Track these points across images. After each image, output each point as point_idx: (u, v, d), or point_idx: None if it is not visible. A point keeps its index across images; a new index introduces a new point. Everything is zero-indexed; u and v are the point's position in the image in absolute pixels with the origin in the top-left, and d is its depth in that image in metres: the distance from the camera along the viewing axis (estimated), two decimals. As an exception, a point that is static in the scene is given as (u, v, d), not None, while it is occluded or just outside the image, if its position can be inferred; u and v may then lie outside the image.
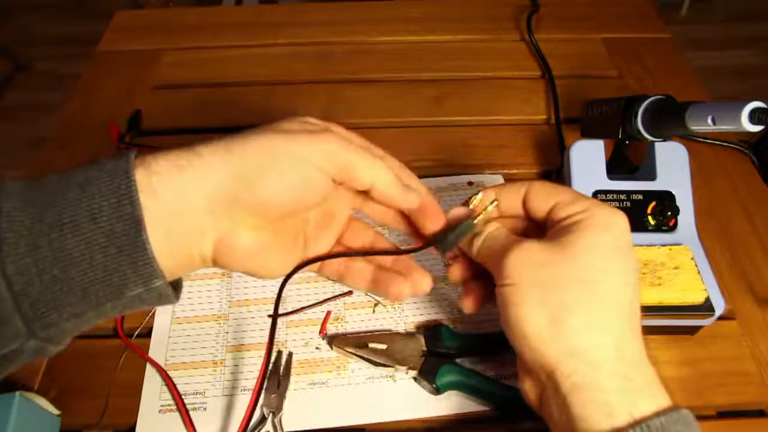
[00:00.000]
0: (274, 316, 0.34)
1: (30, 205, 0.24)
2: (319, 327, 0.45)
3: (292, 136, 0.29)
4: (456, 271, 0.35)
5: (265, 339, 0.44)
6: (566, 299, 0.28)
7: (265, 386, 0.41)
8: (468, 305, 0.34)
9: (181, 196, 0.26)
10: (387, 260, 0.35)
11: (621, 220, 0.30)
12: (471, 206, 0.33)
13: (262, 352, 0.43)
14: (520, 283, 0.29)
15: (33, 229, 0.24)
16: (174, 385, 0.41)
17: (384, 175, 0.30)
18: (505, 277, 0.29)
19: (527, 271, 0.29)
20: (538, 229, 0.33)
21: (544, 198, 0.31)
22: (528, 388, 0.30)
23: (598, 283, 0.28)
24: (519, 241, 0.30)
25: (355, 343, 0.42)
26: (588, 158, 0.48)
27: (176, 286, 0.29)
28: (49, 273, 0.24)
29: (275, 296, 0.46)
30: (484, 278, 0.34)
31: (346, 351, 0.42)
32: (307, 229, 0.33)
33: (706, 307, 0.41)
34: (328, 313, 0.45)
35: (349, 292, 0.46)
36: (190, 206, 0.27)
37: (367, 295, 0.46)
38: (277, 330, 0.44)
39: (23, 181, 0.26)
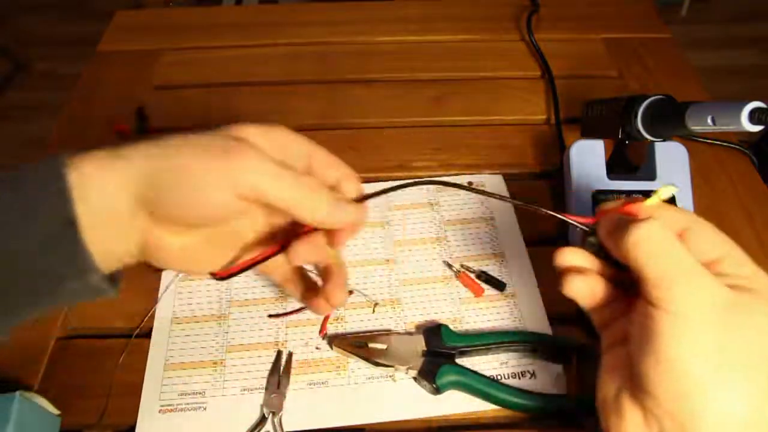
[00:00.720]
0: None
1: None
2: (319, 327, 0.45)
3: (204, 155, 0.28)
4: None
5: (266, 339, 0.44)
6: (745, 366, 0.24)
7: (266, 386, 0.41)
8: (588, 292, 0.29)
9: (107, 198, 0.27)
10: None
11: None
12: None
13: (262, 352, 0.43)
14: (696, 318, 0.24)
15: None
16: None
17: (296, 196, 0.29)
18: (673, 302, 0.24)
19: (708, 308, 0.24)
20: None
21: (711, 245, 0.28)
22: (629, 424, 0.26)
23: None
24: (698, 272, 0.25)
25: (355, 343, 0.42)
26: (588, 158, 0.48)
27: (114, 278, 0.30)
28: None
29: (275, 296, 0.47)
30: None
31: (346, 351, 0.42)
32: (244, 232, 0.33)
33: (706, 307, 0.41)
34: (328, 313, 0.45)
35: (350, 293, 0.46)
36: (115, 208, 0.27)
37: (365, 298, 0.46)
38: (276, 330, 0.44)
39: None
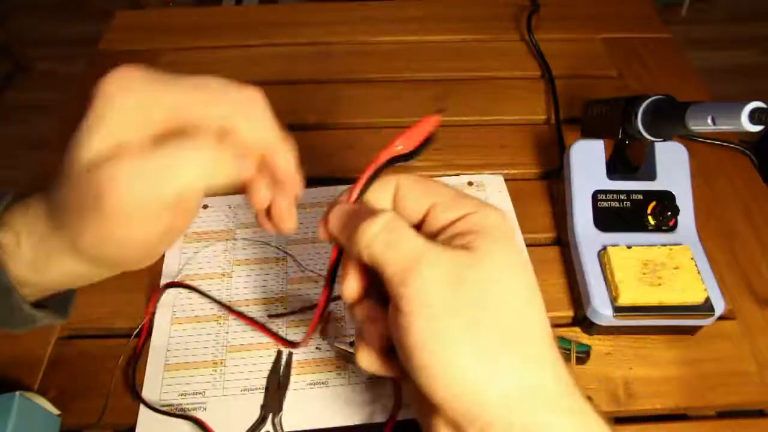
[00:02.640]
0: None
1: None
2: (319, 327, 0.45)
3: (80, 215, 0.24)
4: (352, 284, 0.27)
5: (266, 339, 0.44)
6: (496, 329, 0.22)
7: (266, 385, 0.41)
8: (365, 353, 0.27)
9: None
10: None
11: (508, 222, 0.25)
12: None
13: (263, 352, 0.43)
14: (437, 307, 0.22)
15: None
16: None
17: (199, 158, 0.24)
18: (415, 300, 0.22)
19: (444, 292, 0.22)
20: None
21: (419, 197, 0.26)
22: None
23: (522, 307, 0.23)
24: (428, 248, 0.23)
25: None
26: (588, 158, 0.48)
27: (66, 300, 0.31)
28: None
29: (275, 297, 0.46)
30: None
31: (346, 351, 0.42)
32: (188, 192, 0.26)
33: (706, 307, 0.41)
34: (329, 313, 0.45)
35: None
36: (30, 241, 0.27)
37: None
38: (276, 330, 0.44)
39: None
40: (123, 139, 0.24)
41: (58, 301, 0.31)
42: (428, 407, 0.24)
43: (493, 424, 0.22)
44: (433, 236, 0.25)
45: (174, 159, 0.23)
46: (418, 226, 0.26)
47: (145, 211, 0.24)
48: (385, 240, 0.24)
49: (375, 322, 0.26)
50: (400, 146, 0.28)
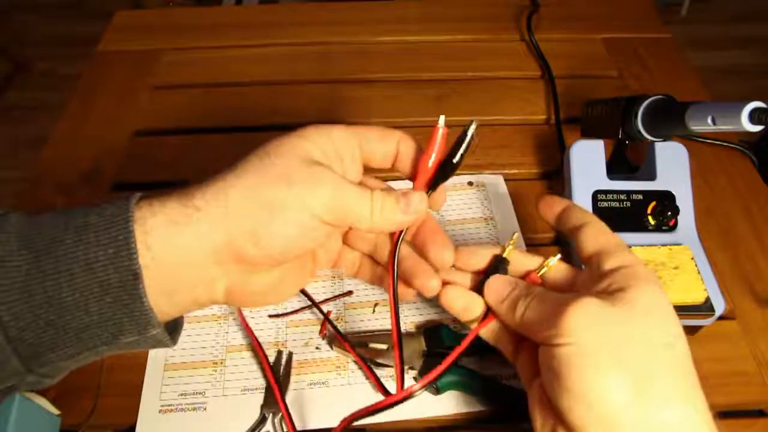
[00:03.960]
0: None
1: (26, 248, 0.24)
2: (319, 327, 0.45)
3: (288, 183, 0.27)
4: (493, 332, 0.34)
5: (266, 339, 0.44)
6: (649, 362, 0.25)
7: (266, 385, 0.41)
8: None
9: (181, 253, 0.26)
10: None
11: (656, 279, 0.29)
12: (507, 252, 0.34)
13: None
14: (586, 342, 0.25)
15: (29, 274, 0.24)
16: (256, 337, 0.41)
17: (377, 211, 0.29)
18: (566, 335, 0.26)
19: (595, 328, 0.26)
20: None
21: (592, 240, 0.31)
22: None
23: (675, 346, 0.26)
24: (577, 297, 0.27)
25: (355, 343, 0.42)
26: (588, 158, 0.48)
27: (176, 325, 0.30)
28: (45, 318, 0.24)
29: (275, 296, 0.46)
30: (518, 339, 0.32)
31: (346, 351, 0.42)
32: (316, 251, 0.34)
33: (706, 307, 0.41)
34: (328, 312, 0.45)
35: (350, 292, 0.46)
36: (192, 261, 0.26)
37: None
38: (276, 330, 0.44)
39: (24, 216, 0.26)
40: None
41: (169, 326, 0.29)
42: (552, 420, 0.27)
43: None
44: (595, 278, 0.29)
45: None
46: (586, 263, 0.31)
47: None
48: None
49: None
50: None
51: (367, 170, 0.33)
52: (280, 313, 0.45)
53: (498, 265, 0.34)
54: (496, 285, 0.32)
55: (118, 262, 0.24)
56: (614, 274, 0.28)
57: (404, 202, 0.30)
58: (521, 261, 0.34)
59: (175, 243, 0.26)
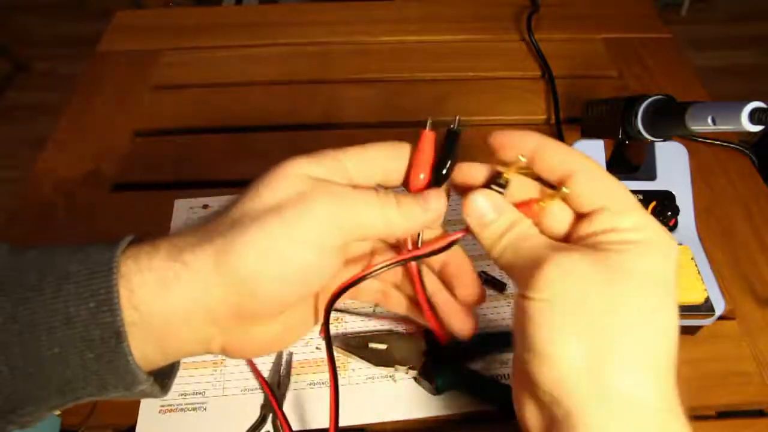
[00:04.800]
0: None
1: (4, 295, 0.22)
2: (319, 327, 0.45)
3: (281, 219, 0.24)
4: None
5: (265, 339, 0.44)
6: (616, 330, 0.23)
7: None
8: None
9: (171, 315, 0.24)
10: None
11: (677, 250, 0.25)
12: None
13: (262, 352, 0.43)
14: (559, 300, 0.23)
15: (5, 326, 0.22)
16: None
17: (395, 217, 0.26)
18: (538, 290, 0.23)
19: (570, 287, 0.23)
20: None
21: (595, 191, 0.26)
22: (529, 416, 0.25)
23: (654, 318, 0.23)
24: (562, 249, 0.25)
25: (355, 343, 0.42)
26: (588, 158, 0.48)
27: (171, 371, 0.28)
28: (23, 371, 0.22)
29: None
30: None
31: (346, 351, 0.42)
32: (321, 292, 0.30)
33: (706, 307, 0.41)
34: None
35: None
36: (184, 323, 0.24)
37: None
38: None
39: (6, 252, 0.24)
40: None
41: (160, 373, 0.27)
42: (524, 379, 0.25)
43: (573, 415, 0.22)
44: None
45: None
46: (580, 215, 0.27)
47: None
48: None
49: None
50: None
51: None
52: (280, 313, 0.45)
53: (493, 181, 0.29)
54: (479, 205, 0.28)
55: (99, 318, 0.22)
56: (621, 234, 0.24)
57: (422, 199, 0.27)
58: (524, 186, 0.29)
59: (164, 305, 0.23)
